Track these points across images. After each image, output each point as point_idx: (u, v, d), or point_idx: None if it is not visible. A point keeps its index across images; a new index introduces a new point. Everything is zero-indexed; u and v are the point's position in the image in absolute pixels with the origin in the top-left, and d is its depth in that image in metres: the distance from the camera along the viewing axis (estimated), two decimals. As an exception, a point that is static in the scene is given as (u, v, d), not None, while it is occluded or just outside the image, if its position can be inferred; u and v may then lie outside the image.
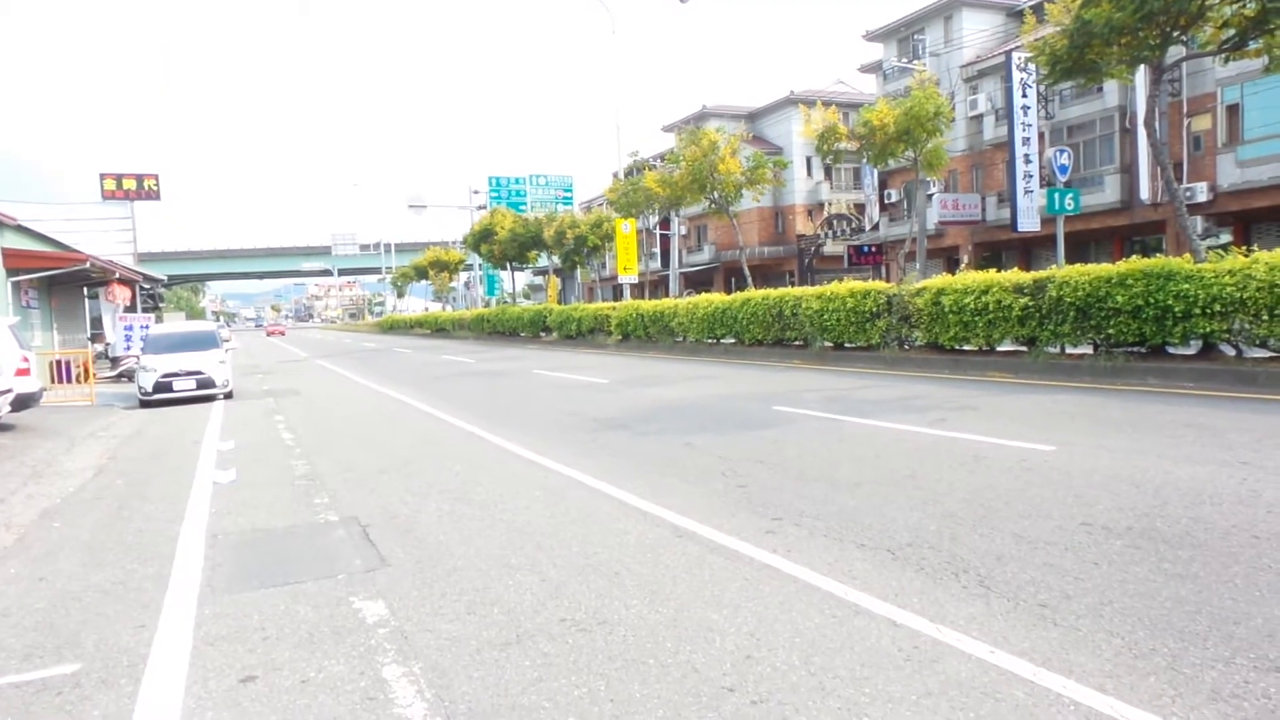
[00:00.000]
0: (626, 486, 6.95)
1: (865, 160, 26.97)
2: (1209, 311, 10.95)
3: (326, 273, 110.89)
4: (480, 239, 49.37)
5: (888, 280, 23.90)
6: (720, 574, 4.67)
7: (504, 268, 52.59)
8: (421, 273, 73.08)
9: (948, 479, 6.52)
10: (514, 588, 4.65)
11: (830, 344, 18.21)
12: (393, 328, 69.92)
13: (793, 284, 34.03)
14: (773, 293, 20.40)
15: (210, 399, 16.78)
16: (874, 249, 41.08)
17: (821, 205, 48.91)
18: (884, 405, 10.80)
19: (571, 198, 59.85)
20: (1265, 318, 10.38)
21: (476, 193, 60.96)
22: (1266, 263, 10.43)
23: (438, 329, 56.28)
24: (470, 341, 43.08)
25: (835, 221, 45.43)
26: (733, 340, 22.11)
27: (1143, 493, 5.74)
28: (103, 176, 47.64)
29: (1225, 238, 26.05)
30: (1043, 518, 5.33)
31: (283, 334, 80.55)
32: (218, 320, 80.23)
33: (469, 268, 71.26)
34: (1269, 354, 10.78)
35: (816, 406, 11.06)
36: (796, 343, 19.56)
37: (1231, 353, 11.29)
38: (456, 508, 6.61)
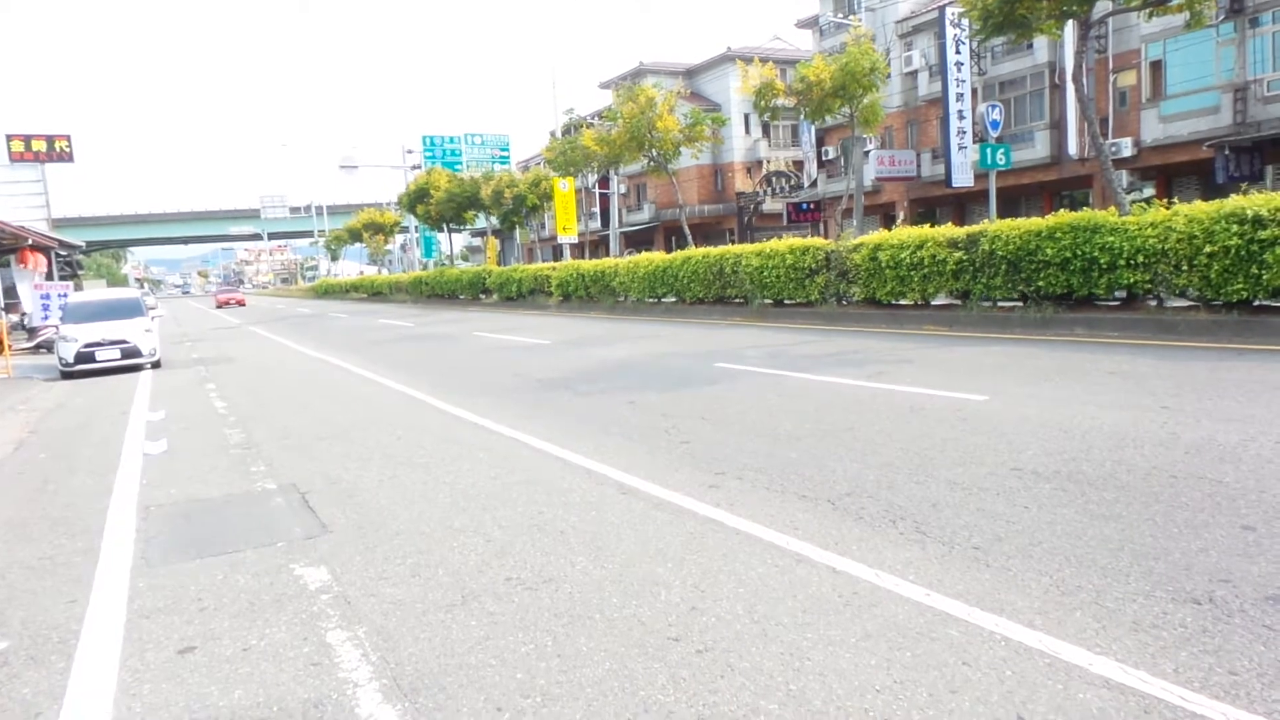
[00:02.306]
0: (570, 446, 6.94)
1: (803, 117, 27.03)
2: (1133, 263, 11.31)
3: (256, 237, 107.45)
4: (416, 200, 48.27)
5: (826, 237, 24.12)
6: (665, 529, 4.71)
7: (441, 229, 51.55)
8: (355, 235, 71.35)
9: (885, 430, 6.67)
10: (459, 549, 4.62)
11: (770, 301, 18.37)
12: (327, 292, 68.29)
13: (733, 242, 34.15)
14: (713, 251, 20.45)
15: (137, 369, 16.21)
16: (812, 206, 41.37)
17: (760, 163, 49.01)
18: (823, 360, 10.96)
19: (508, 157, 58.84)
20: (1185, 268, 10.77)
21: (410, 152, 59.52)
22: (1186, 215, 10.79)
23: (374, 293, 55.16)
24: (408, 305, 42.34)
25: (774, 179, 45.58)
26: (674, 299, 22.16)
27: (1070, 438, 5.95)
28: (9, 138, 45.18)
29: (1149, 191, 26.88)
30: (976, 464, 5.49)
31: (241, 304, 58.29)
32: (141, 288, 76.90)
33: (405, 230, 69.77)
34: (1188, 303, 11.21)
35: (757, 363, 11.18)
36: (737, 300, 19.69)
37: (1153, 303, 11.71)
38: (399, 472, 6.53)
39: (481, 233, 61.94)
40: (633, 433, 7.34)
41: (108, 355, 15.93)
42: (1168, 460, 5.23)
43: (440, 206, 45.34)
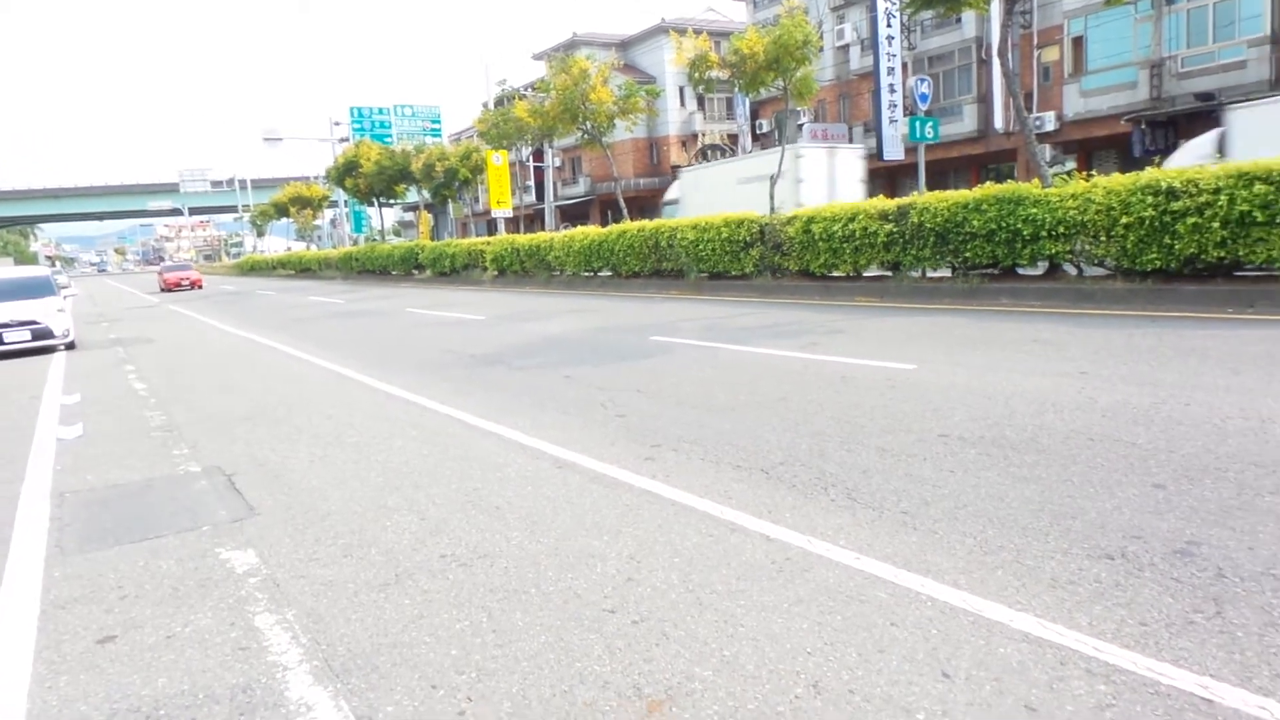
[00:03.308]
0: (505, 422, 6.89)
1: (737, 89, 27.03)
2: (1054, 234, 11.66)
3: (176, 212, 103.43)
4: (344, 173, 47.03)
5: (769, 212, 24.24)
6: (601, 502, 4.72)
7: (371, 203, 50.39)
8: (282, 210, 69.20)
9: (817, 400, 6.77)
10: (392, 528, 4.55)
11: (706, 274, 18.45)
12: (253, 269, 66.27)
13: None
14: (648, 224, 20.41)
15: (49, 351, 15.50)
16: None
17: (695, 136, 48.99)
18: (758, 332, 11.06)
19: (440, 129, 57.71)
20: (1103, 239, 11.14)
21: (338, 124, 57.90)
22: (1105, 187, 11.14)
23: (303, 269, 53.72)
24: (338, 282, 41.36)
25: (709, 152, 45.63)
26: (610, 273, 22.09)
27: (994, 404, 6.13)
28: (-98, 107, 42.41)
29: (1070, 165, 27.69)
30: (904, 432, 5.61)
31: (197, 285, 43.10)
32: (53, 266, 73.31)
33: (334, 204, 67.97)
34: (1106, 273, 11.61)
35: (693, 335, 11.23)
36: (673, 274, 19.72)
37: (1074, 272, 12.10)
38: (329, 452, 6.39)
39: (414, 207, 60.70)
40: (569, 407, 7.31)
41: (16, 337, 15.20)
42: (1085, 423, 5.42)
43: (370, 180, 44.29)
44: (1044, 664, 2.74)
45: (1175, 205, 10.22)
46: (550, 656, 3.05)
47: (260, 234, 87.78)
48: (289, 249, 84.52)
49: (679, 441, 5.86)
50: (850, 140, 35.18)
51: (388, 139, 52.76)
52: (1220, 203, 9.76)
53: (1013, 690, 2.61)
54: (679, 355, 9.66)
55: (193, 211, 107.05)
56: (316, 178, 67.83)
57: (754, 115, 40.80)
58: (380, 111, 56.65)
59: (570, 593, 3.56)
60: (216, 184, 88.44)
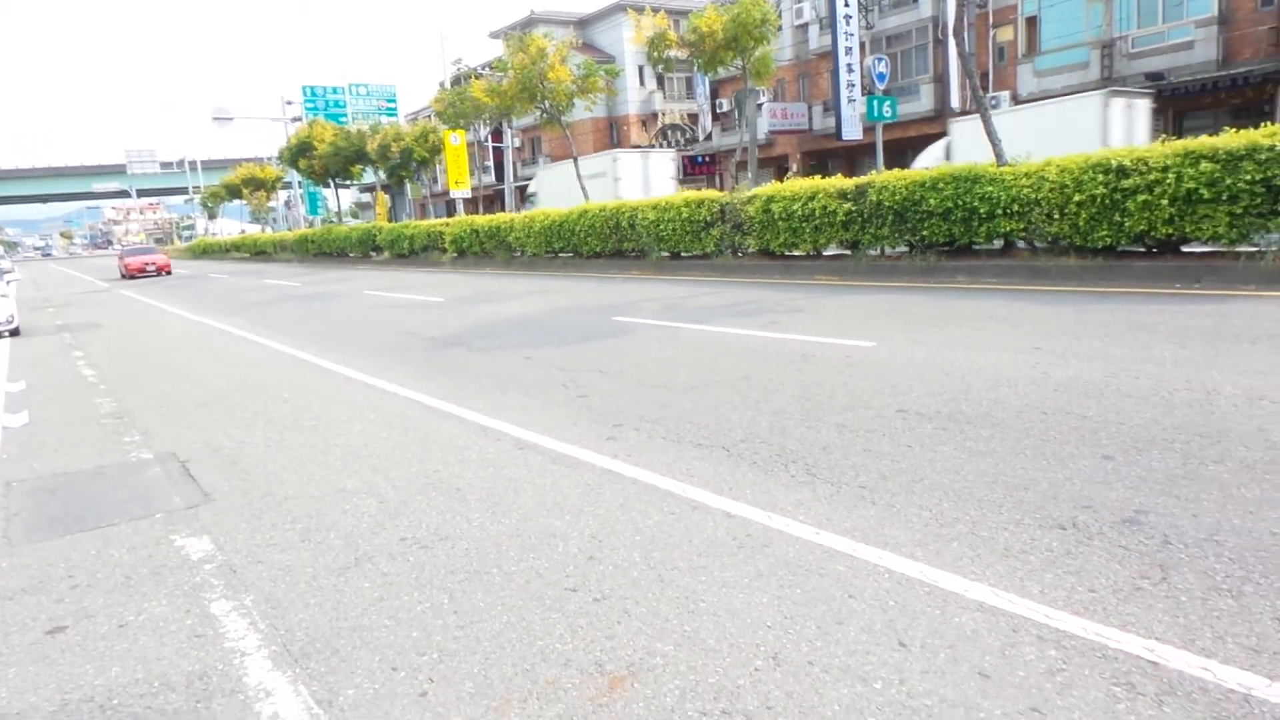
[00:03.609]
0: (466, 404, 6.84)
1: (696, 68, 26.96)
2: (1009, 212, 11.82)
3: (124, 194, 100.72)
4: (298, 153, 46.05)
5: (721, 190, 24.27)
6: (562, 482, 4.71)
7: (327, 185, 49.43)
8: (234, 192, 67.63)
9: (778, 378, 6.82)
10: (351, 512, 4.51)
11: (667, 254, 18.44)
12: (206, 252, 64.81)
13: (629, 196, 33.92)
14: (609, 204, 20.32)
15: (-7, 337, 15.04)
16: (707, 159, 41.58)
17: (655, 115, 48.76)
18: (719, 311, 11.10)
19: (396, 109, 56.74)
20: (1056, 216, 11.32)
21: (290, 104, 56.62)
22: (1058, 166, 11.31)
23: (257, 252, 52.66)
24: (294, 264, 40.63)
25: (669, 132, 45.51)
26: (571, 253, 21.97)
27: (951, 380, 6.22)
28: None
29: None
30: (863, 408, 5.68)
31: (164, 270, 38.11)
32: None
33: (288, 185, 66.63)
34: (1059, 250, 11.80)
35: (654, 315, 11.23)
36: (634, 253, 19.68)
37: (1028, 249, 12.29)
38: (286, 436, 6.30)
39: (370, 188, 59.74)
40: (530, 388, 7.28)
41: (-42, 323, 14.67)
42: (1038, 397, 5.53)
43: (324, 161, 43.43)
44: (997, 631, 2.80)
45: (1125, 183, 10.41)
46: (512, 636, 3.05)
47: (212, 216, 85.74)
48: (243, 231, 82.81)
49: (640, 421, 5.87)
50: (809, 120, 35.33)
51: (342, 119, 51.75)
52: (1169, 180, 9.96)
53: (967, 658, 2.67)
54: (640, 335, 9.66)
55: (141, 193, 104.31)
56: (270, 159, 66.36)
57: (714, 95, 40.74)
58: (334, 91, 55.48)
59: (532, 572, 3.56)
60: (166, 165, 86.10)
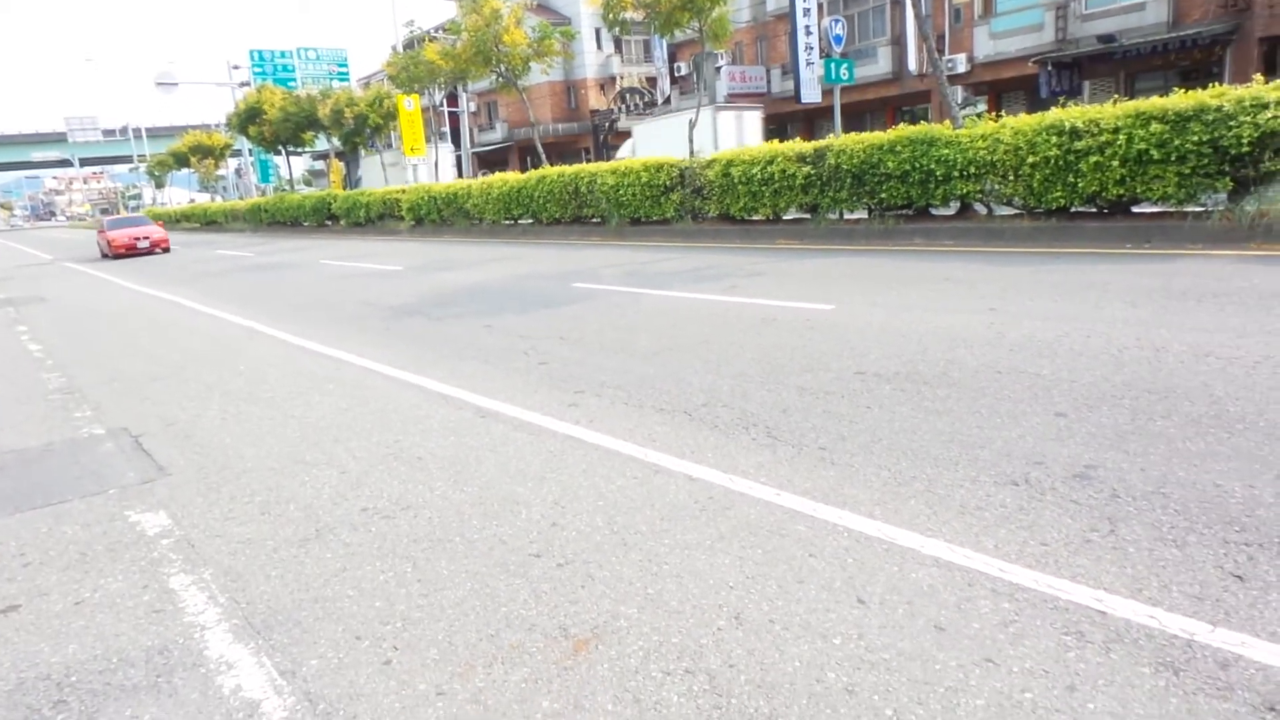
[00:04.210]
0: (426, 373, 6.78)
1: (653, 31, 26.64)
2: (965, 174, 11.92)
3: (65, 163, 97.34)
4: (247, 120, 44.80)
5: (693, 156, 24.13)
6: (524, 449, 4.70)
7: (278, 152, 48.23)
8: (182, 160, 65.67)
9: (739, 342, 6.85)
10: (311, 484, 4.46)
11: (627, 219, 18.34)
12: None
13: (588, 161, 33.70)
14: (568, 170, 20.11)
15: (-68, 312, 14.50)
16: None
17: (614, 79, 48.22)
18: (680, 276, 11.09)
19: (347, 74, 55.36)
20: (1011, 178, 11.44)
21: (237, 68, 54.93)
22: (1012, 128, 11.41)
23: (208, 222, 51.35)
24: (247, 234, 39.72)
25: (628, 96, 45.04)
26: (530, 220, 21.76)
27: (908, 342, 6.30)
28: None
29: (981, 106, 28.28)
30: (823, 370, 5.73)
31: (161, 247, 28.63)
32: None
33: (237, 153, 64.88)
34: (1014, 211, 11.97)
35: (615, 281, 11.19)
36: (594, 220, 19.55)
37: (984, 211, 12.44)
38: (243, 409, 6.19)
39: (323, 155, 58.42)
40: (490, 356, 7.23)
41: (-107, 299, 13.62)
42: (994, 357, 5.63)
43: (275, 127, 42.32)
44: (953, 586, 2.87)
45: (1078, 145, 10.54)
46: (476, 603, 3.05)
47: (160, 185, 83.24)
48: (192, 201, 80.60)
49: (602, 387, 5.87)
50: (768, 83, 35.19)
51: (292, 84, 50.38)
52: (1120, 142, 10.10)
53: (923, 612, 2.73)
54: (601, 301, 9.63)
55: (84, 163, 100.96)
56: (218, 125, 64.52)
57: (672, 58, 40.35)
58: (283, 55, 53.94)
59: (495, 540, 3.56)
60: (109, 133, 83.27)
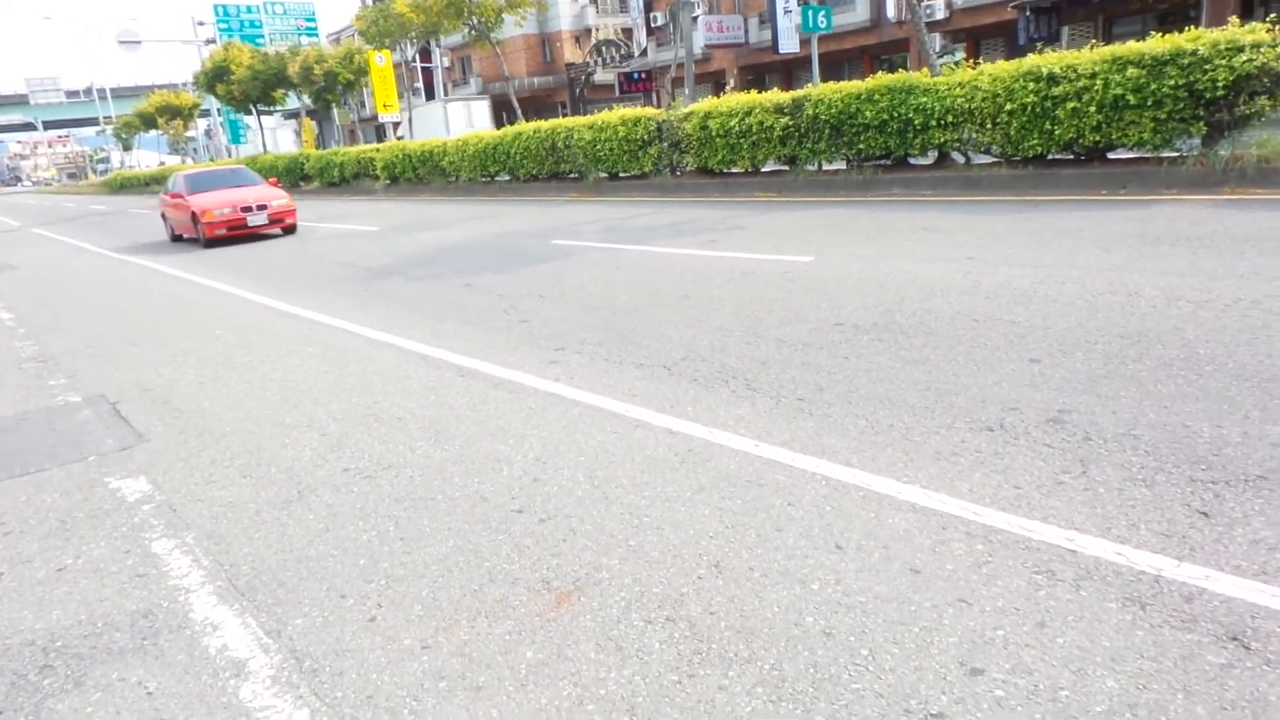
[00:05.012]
0: (406, 334, 6.75)
1: (629, -20, 26.15)
2: (943, 123, 11.86)
3: (29, 126, 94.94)
4: (214, 78, 43.79)
5: (658, 107, 23.88)
6: (505, 407, 4.71)
7: (248, 111, 47.25)
8: (149, 121, 64.26)
9: (719, 295, 6.85)
10: (292, 446, 4.45)
11: (605, 174, 18.17)
12: (124, 187, 61.72)
13: (565, 115, 33.28)
14: (544, 125, 19.83)
15: (-102, 282, 14.21)
16: (644, 76, 40.69)
17: (589, 31, 47.39)
18: (659, 231, 11.04)
19: (316, 29, 54.02)
20: (989, 126, 11.40)
21: (203, 24, 53.48)
22: (990, 75, 11.34)
23: (179, 185, 50.34)
24: (220, 196, 39.00)
25: (604, 48, 44.33)
26: (507, 177, 21.51)
27: (886, 292, 6.32)
28: None
29: (960, 54, 28.09)
30: (802, 322, 5.76)
31: (285, 223, 16.33)
32: None
33: (205, 113, 63.49)
34: (992, 160, 11.95)
35: (594, 238, 11.13)
36: (572, 175, 19.35)
37: (962, 160, 12.41)
38: (220, 373, 6.15)
39: (294, 114, 57.28)
40: (470, 315, 7.20)
41: None
42: (970, 306, 5.66)
43: (244, 85, 41.43)
44: (928, 530, 2.92)
45: (1056, 91, 10.49)
46: (459, 559, 3.08)
47: (128, 148, 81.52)
48: (162, 163, 78.83)
49: (582, 344, 5.87)
50: (745, 33, 34.69)
51: (260, 40, 49.16)
52: (1097, 87, 10.07)
53: (899, 556, 2.79)
54: (580, 258, 9.58)
55: (48, 126, 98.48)
56: (185, 84, 63.04)
57: (649, 9, 39.63)
58: (249, 10, 52.52)
59: (477, 497, 3.59)
60: (72, 94, 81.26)
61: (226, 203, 15.91)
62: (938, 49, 25.59)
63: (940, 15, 27.68)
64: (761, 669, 2.32)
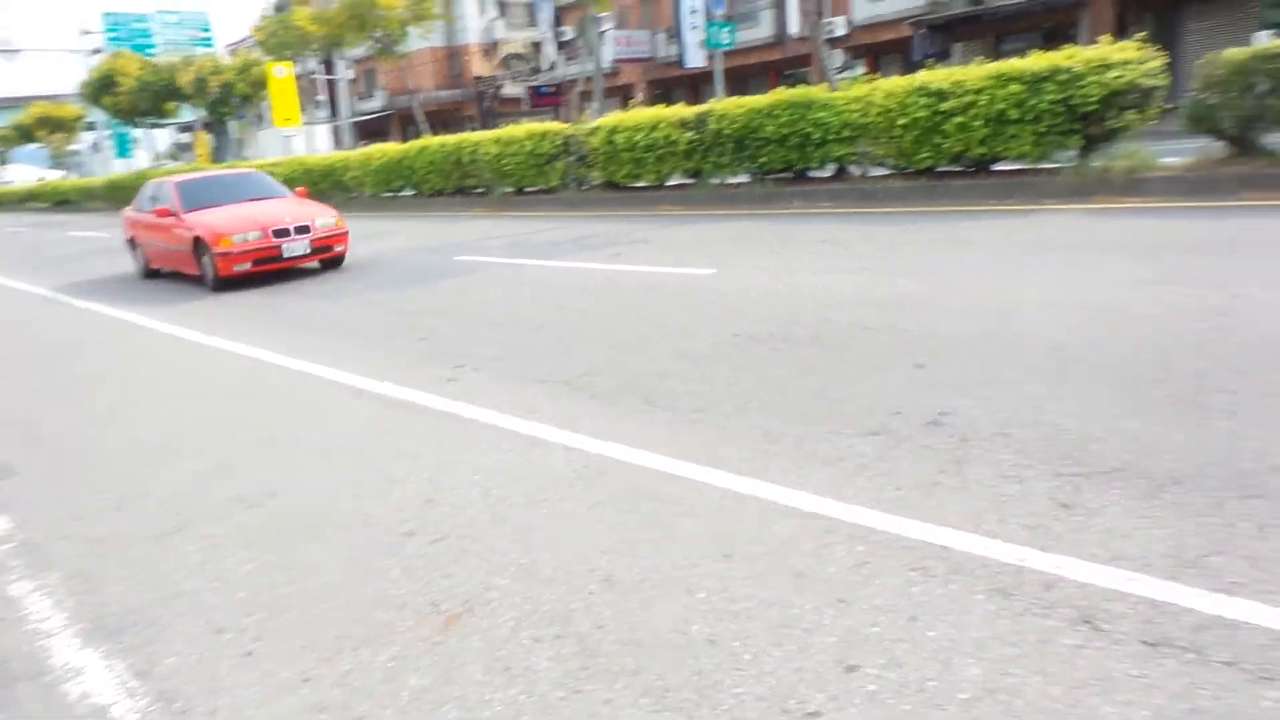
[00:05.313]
0: (299, 353, 6.55)
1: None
2: (841, 137, 12.21)
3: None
4: (100, 89, 41.83)
5: (567, 121, 23.92)
6: (400, 427, 4.62)
7: (136, 124, 45.27)
8: (27, 134, 60.86)
9: (621, 309, 6.89)
10: (172, 474, 4.27)
11: (511, 189, 18.06)
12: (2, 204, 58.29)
13: (474, 129, 32.99)
14: (450, 139, 19.60)
15: None
16: (553, 89, 40.70)
17: (498, 44, 47.16)
18: (564, 246, 11.04)
19: (211, 39, 52.25)
20: (883, 140, 11.79)
21: (89, 33, 51.13)
22: (884, 90, 11.74)
23: (60, 201, 47.71)
24: (105, 214, 37.09)
25: (513, 61, 44.22)
26: (412, 192, 21.17)
27: (784, 303, 6.46)
28: None
29: (861, 69, 28.99)
30: (701, 335, 5.83)
31: (335, 250, 11.16)
32: None
33: (91, 126, 60.52)
34: (886, 172, 12.36)
35: (499, 253, 11.05)
36: (478, 190, 19.17)
37: (859, 173, 12.80)
38: (101, 399, 5.86)
39: (188, 127, 55.19)
40: (368, 334, 7.05)
41: None
42: (862, 315, 5.83)
43: (132, 97, 39.72)
44: (812, 534, 2.99)
45: (945, 105, 10.92)
46: (345, 586, 3.00)
47: (2, 162, 76.88)
48: (42, 179, 74.61)
49: (482, 360, 5.81)
50: (653, 47, 35.08)
51: (150, 50, 47.22)
52: (982, 102, 10.54)
53: (784, 561, 2.84)
54: (484, 274, 9.49)
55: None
56: (68, 96, 59.92)
57: (558, 22, 39.73)
58: (140, 19, 50.41)
59: (367, 521, 3.50)
60: (-57, 107, 76.18)
61: (253, 223, 10.54)
62: (839, 65, 26.40)
63: (841, 32, 28.59)
64: (647, 680, 2.33)
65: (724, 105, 13.65)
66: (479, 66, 46.82)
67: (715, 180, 14.24)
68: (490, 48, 47.54)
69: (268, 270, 10.47)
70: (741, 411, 4.28)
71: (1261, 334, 4.51)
